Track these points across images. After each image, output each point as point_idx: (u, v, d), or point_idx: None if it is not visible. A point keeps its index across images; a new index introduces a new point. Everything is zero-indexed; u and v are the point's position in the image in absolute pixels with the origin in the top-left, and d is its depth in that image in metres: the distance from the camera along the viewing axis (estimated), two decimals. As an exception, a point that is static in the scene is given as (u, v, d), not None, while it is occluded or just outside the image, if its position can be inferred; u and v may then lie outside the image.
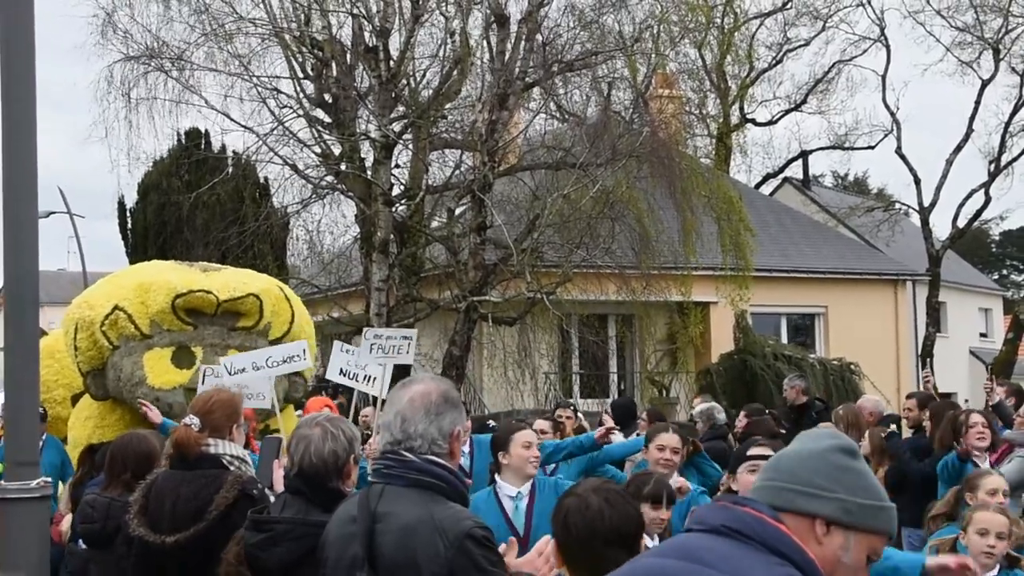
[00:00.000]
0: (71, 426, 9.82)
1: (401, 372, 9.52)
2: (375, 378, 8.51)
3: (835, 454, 2.49)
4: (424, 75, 20.82)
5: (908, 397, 9.99)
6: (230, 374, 8.28)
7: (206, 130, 23.05)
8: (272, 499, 5.05)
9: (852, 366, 23.16)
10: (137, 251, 24.32)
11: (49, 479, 5.58)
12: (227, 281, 9.46)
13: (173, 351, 9.23)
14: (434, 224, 20.88)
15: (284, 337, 9.49)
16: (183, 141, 23.24)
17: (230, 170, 20.46)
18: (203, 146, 22.89)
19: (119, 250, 25.15)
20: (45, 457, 10.29)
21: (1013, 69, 30.28)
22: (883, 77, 31.74)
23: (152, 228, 23.74)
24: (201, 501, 4.80)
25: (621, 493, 3.50)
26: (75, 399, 10.20)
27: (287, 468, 4.42)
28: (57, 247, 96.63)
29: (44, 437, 10.63)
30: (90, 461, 7.05)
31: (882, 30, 31.95)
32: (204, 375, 8.31)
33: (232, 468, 5.01)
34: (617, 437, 8.58)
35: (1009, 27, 29.52)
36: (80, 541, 5.92)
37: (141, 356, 9.13)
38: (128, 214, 24.91)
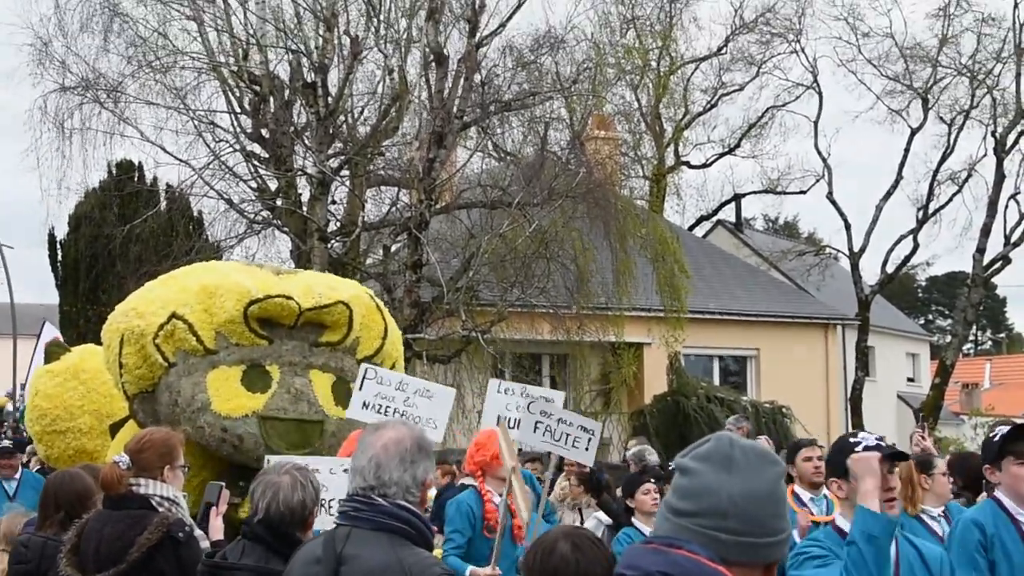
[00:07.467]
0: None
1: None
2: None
3: (781, 483, 2.41)
4: (362, 112, 20.88)
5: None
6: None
7: (139, 162, 22.81)
8: (205, 543, 4.98)
9: (784, 409, 23.38)
10: (67, 283, 23.93)
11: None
12: (309, 286, 7.83)
13: (243, 370, 7.55)
14: (369, 261, 20.81)
15: (375, 356, 7.92)
16: (114, 173, 22.94)
17: (163, 204, 20.17)
18: (136, 178, 22.61)
19: (48, 281, 24.75)
20: (22, 497, 8.95)
21: (941, 118, 30.93)
22: (815, 123, 32.30)
23: (84, 260, 23.37)
24: (125, 542, 4.71)
25: (592, 539, 3.47)
26: (114, 429, 8.56)
27: (251, 513, 4.35)
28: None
29: (20, 473, 9.80)
30: None
31: (815, 77, 32.55)
32: (364, 378, 6.93)
33: (161, 510, 4.92)
34: None
35: (938, 77, 30.22)
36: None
37: (204, 376, 7.48)
38: (59, 246, 24.51)
